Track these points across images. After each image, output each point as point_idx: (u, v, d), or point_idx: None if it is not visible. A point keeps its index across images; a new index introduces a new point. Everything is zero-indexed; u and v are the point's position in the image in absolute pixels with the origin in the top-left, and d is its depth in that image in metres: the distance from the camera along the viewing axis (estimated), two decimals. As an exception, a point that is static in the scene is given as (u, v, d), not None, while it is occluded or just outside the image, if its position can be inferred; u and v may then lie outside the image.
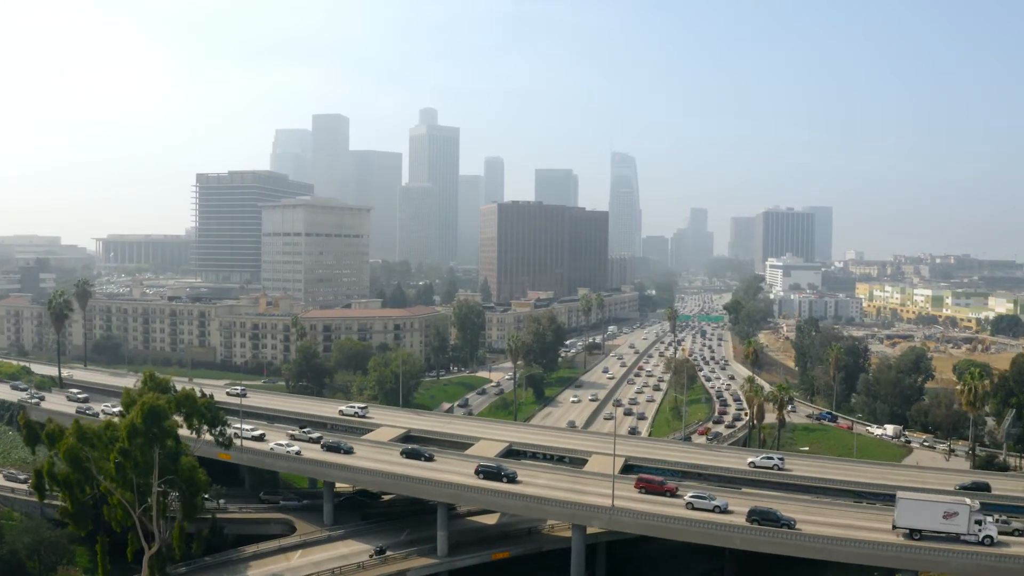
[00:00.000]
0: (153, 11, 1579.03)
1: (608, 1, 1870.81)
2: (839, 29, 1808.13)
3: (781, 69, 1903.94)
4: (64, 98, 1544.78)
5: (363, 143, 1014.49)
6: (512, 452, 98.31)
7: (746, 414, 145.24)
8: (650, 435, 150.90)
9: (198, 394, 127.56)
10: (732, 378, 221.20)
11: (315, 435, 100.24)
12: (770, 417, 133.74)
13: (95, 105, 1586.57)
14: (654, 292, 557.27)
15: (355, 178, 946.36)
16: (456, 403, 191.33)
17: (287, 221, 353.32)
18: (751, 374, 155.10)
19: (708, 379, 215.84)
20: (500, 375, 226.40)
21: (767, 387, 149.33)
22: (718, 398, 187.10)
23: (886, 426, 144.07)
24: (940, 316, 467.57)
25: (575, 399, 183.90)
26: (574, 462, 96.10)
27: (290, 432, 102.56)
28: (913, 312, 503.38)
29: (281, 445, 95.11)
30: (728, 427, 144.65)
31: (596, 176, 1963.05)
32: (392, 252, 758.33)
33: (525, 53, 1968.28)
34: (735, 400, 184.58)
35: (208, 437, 79.76)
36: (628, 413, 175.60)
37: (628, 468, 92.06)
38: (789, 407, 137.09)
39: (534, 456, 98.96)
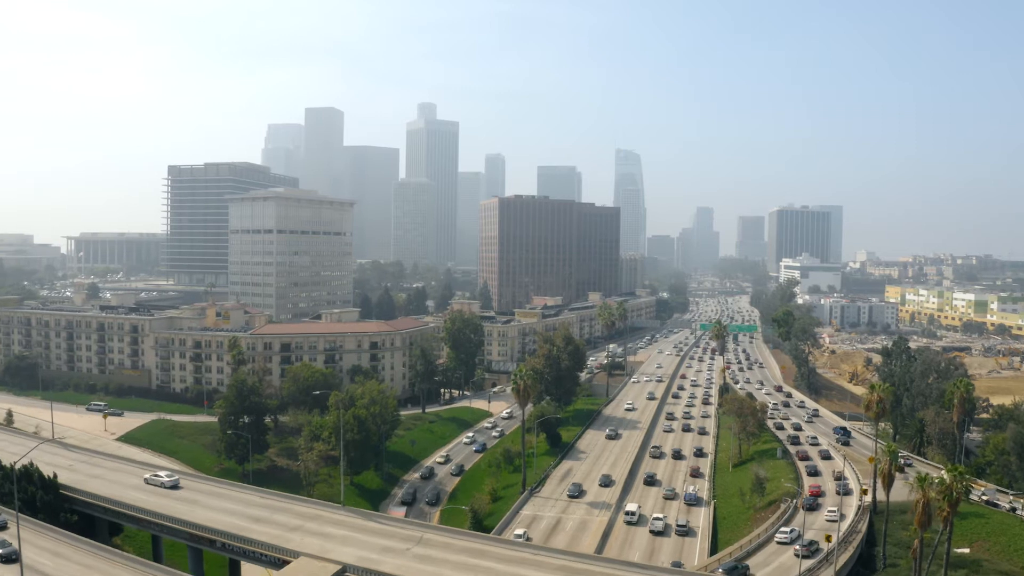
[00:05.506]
0: (152, 11, 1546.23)
1: (607, 1, 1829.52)
2: (837, 27, 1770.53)
3: (781, 69, 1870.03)
4: (60, 98, 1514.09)
5: (361, 143, 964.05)
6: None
7: (864, 490, 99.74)
8: (715, 500, 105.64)
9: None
10: (793, 405, 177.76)
11: None
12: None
13: (91, 105, 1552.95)
14: (666, 295, 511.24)
15: (350, 174, 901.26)
16: (449, 447, 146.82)
17: (257, 216, 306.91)
18: (900, 451, 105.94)
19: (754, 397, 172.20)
20: (503, 406, 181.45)
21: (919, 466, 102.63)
22: (786, 438, 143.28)
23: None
24: (987, 323, 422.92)
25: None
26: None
27: None
28: (953, 318, 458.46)
29: None
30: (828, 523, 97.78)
31: (600, 174, 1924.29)
32: (388, 252, 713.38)
33: (525, 52, 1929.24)
34: (807, 440, 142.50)
35: None
36: (687, 429, 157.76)
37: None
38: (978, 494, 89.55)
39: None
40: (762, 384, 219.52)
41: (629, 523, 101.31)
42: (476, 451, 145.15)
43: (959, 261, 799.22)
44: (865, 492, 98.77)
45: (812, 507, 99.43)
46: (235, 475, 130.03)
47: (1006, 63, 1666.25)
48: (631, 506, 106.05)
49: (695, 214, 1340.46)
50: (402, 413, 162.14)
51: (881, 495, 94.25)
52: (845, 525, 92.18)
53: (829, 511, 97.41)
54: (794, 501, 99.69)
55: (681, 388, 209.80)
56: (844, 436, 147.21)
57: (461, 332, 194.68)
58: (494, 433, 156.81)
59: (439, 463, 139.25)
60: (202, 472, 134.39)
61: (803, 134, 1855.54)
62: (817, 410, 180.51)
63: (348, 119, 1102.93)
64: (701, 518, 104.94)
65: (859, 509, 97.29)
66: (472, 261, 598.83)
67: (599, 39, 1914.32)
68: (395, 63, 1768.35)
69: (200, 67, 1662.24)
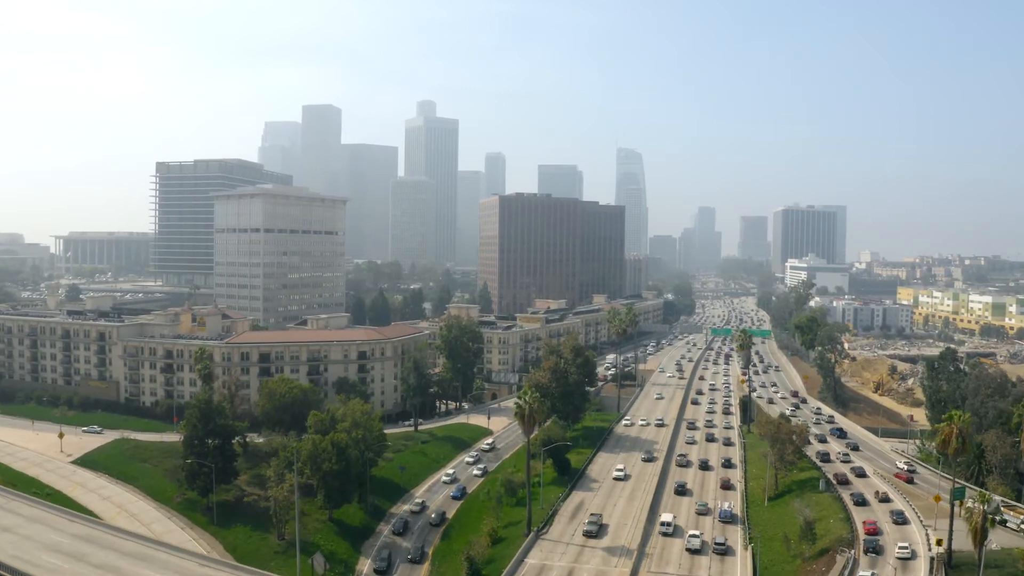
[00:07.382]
0: (152, 11, 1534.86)
1: (607, 1, 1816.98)
2: (837, 27, 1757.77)
3: (781, 69, 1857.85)
4: (60, 98, 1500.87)
5: (360, 142, 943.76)
6: None
7: (939, 540, 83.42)
8: (752, 544, 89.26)
9: None
10: (807, 411, 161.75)
11: None
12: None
13: (91, 105, 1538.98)
14: (671, 297, 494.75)
15: (347, 172, 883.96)
16: (412, 502, 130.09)
17: (243, 214, 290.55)
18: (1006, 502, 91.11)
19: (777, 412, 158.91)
20: (503, 422, 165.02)
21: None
22: (815, 454, 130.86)
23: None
24: (1006, 327, 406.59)
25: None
26: None
27: None
28: (970, 321, 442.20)
29: None
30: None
31: (601, 173, 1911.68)
32: (385, 252, 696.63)
33: (525, 52, 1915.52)
34: (838, 456, 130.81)
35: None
36: (711, 439, 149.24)
37: None
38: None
39: None
40: (776, 387, 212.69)
41: (664, 534, 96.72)
42: (454, 496, 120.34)
43: (967, 262, 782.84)
44: (939, 543, 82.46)
45: (873, 549, 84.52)
46: (198, 507, 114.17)
47: (1006, 63, 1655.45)
48: (666, 516, 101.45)
49: (697, 214, 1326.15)
50: (392, 430, 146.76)
51: (961, 545, 78.50)
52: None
53: (900, 547, 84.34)
54: (851, 552, 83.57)
55: (700, 392, 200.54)
56: (841, 436, 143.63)
57: (458, 340, 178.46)
58: (475, 471, 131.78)
59: (413, 512, 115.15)
60: (163, 503, 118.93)
61: (803, 134, 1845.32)
62: (832, 416, 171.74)
63: (347, 119, 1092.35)
64: (739, 537, 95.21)
65: (932, 563, 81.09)
66: (472, 261, 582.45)
67: (599, 39, 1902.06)
68: (395, 63, 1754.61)
69: (200, 67, 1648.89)
